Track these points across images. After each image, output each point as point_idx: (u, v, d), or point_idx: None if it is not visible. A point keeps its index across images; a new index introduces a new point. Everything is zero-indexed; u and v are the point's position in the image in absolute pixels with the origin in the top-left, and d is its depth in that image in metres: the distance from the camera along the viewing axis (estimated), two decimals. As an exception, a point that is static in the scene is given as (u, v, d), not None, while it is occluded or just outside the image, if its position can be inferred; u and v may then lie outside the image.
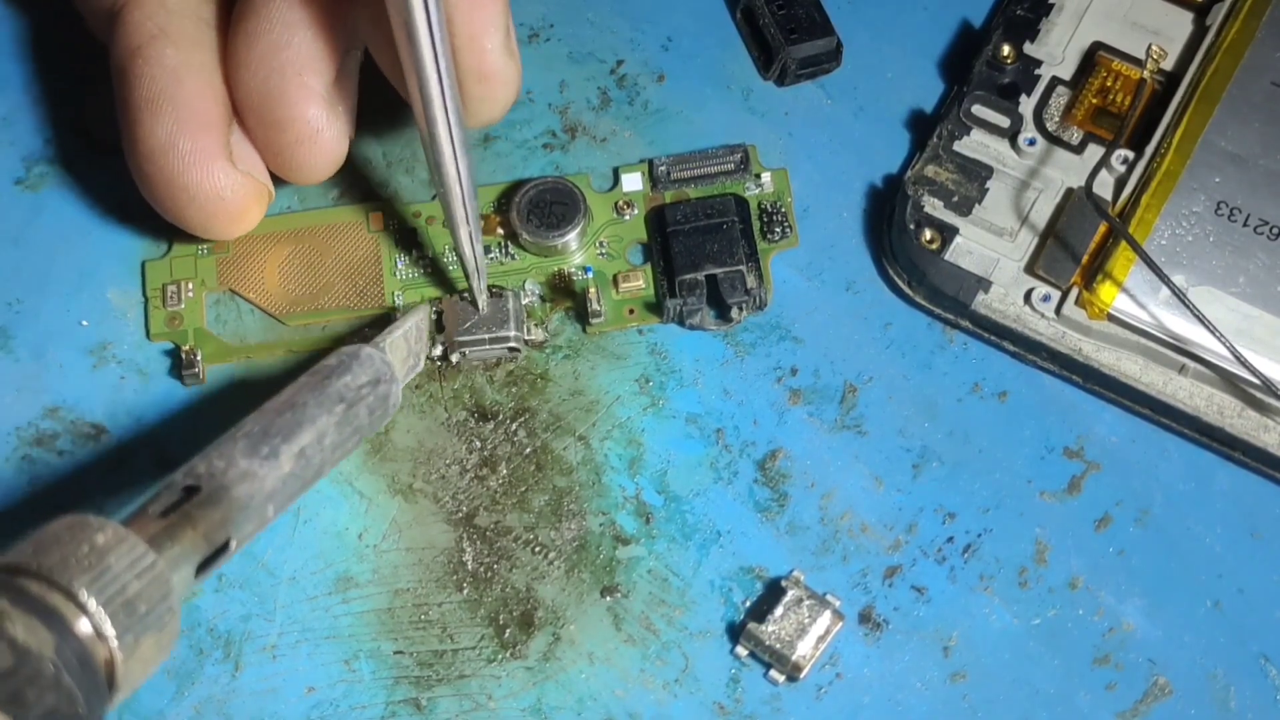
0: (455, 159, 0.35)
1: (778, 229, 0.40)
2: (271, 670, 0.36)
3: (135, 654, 0.26)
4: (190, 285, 0.39)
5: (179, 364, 0.38)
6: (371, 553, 0.37)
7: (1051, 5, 0.41)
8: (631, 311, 0.39)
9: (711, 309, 0.39)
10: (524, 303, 0.39)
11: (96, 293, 0.39)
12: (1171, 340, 0.37)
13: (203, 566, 0.29)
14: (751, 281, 0.39)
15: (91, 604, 0.26)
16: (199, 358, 0.38)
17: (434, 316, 0.38)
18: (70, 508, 0.37)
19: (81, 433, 0.38)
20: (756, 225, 0.40)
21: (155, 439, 0.38)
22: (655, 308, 0.39)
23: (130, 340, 0.39)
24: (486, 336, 0.38)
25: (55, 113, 0.41)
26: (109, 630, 0.26)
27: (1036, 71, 0.40)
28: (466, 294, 0.38)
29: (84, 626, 0.26)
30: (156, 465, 0.38)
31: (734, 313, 0.38)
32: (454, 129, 0.34)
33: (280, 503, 0.31)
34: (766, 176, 0.40)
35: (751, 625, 0.36)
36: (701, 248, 0.39)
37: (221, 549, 0.29)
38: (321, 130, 0.36)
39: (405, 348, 0.36)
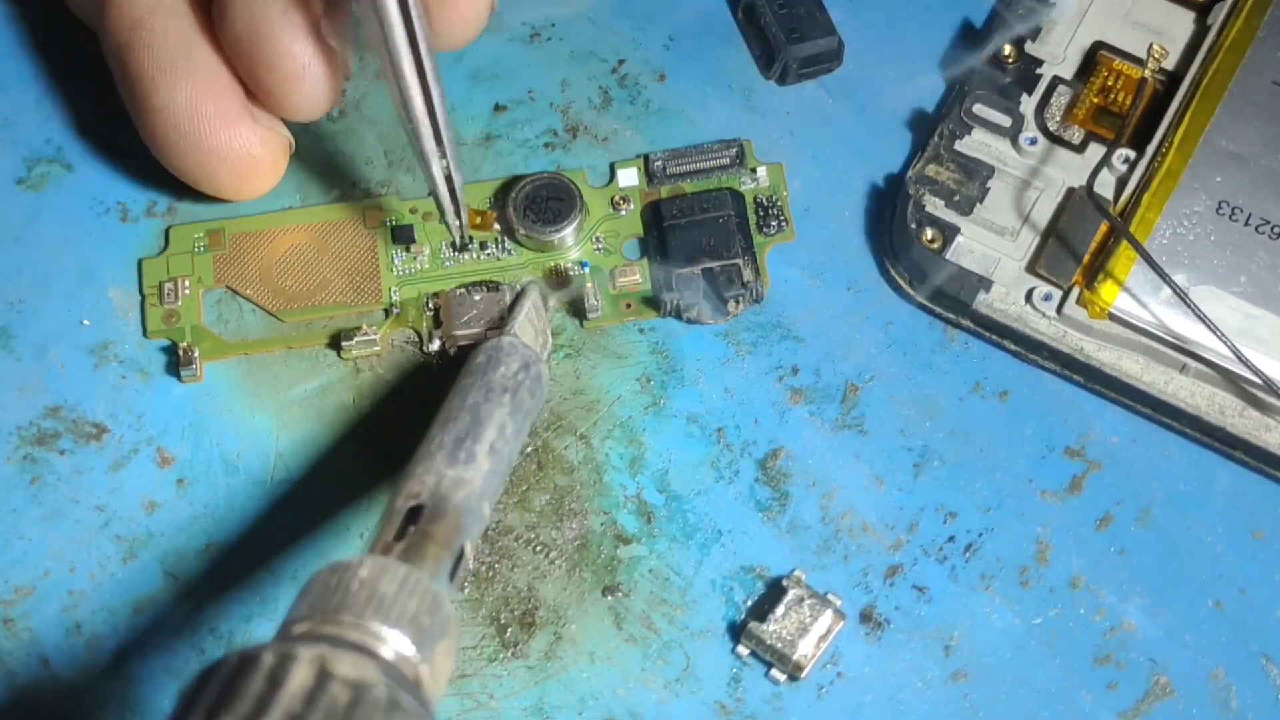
0: (427, 94, 0.34)
1: (773, 222, 0.40)
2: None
3: (435, 663, 0.28)
4: (187, 282, 0.39)
5: (177, 361, 0.38)
6: (373, 552, 0.37)
7: (1053, 5, 0.41)
8: (629, 306, 0.39)
9: (708, 302, 0.39)
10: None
11: (98, 292, 0.39)
12: (1173, 339, 0.37)
13: (452, 574, 0.30)
14: (748, 275, 0.39)
15: (385, 630, 0.27)
16: (197, 355, 0.38)
17: (431, 311, 0.39)
18: (71, 508, 0.37)
19: (83, 432, 0.38)
20: (752, 219, 0.40)
21: (156, 438, 0.38)
22: (652, 302, 0.39)
23: (131, 340, 0.39)
24: (484, 330, 0.38)
25: (56, 112, 0.41)
26: (409, 650, 0.27)
27: (1038, 71, 0.40)
28: (463, 289, 0.38)
29: (389, 651, 0.27)
30: (158, 465, 0.38)
31: (731, 306, 0.39)
32: (426, 65, 0.34)
33: (491, 498, 0.32)
34: (762, 170, 0.40)
35: (753, 624, 0.36)
36: (698, 242, 0.39)
37: (460, 555, 0.30)
38: (309, 66, 0.36)
39: (531, 328, 0.37)
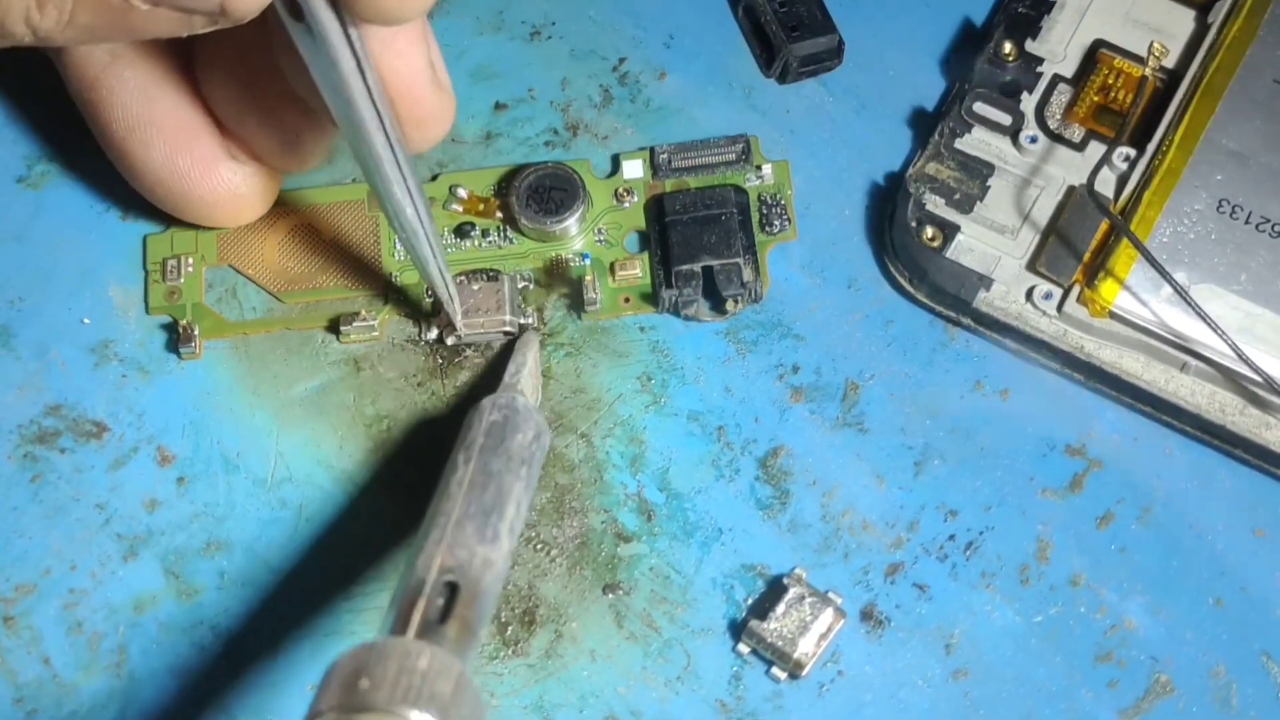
0: (415, 207, 0.34)
1: (776, 221, 0.40)
2: (273, 667, 0.36)
3: None
4: (190, 260, 0.39)
5: (176, 338, 0.38)
6: (373, 551, 0.37)
7: (1053, 3, 0.41)
8: (627, 300, 0.39)
9: (707, 300, 0.39)
10: (519, 287, 0.39)
11: (98, 290, 0.39)
12: (1173, 338, 0.37)
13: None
14: (748, 274, 0.39)
15: None
16: (196, 332, 0.38)
17: (428, 299, 0.39)
18: (72, 506, 0.37)
19: (83, 430, 0.38)
20: (755, 217, 0.40)
21: (157, 436, 0.38)
22: (651, 297, 0.39)
23: (132, 338, 0.39)
24: (482, 320, 0.38)
25: (56, 111, 0.41)
26: None
27: (1038, 69, 0.40)
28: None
29: None
30: (158, 463, 0.38)
31: (729, 305, 0.39)
32: (409, 183, 0.33)
33: (504, 579, 0.32)
34: (767, 168, 0.40)
35: (753, 623, 0.36)
36: (699, 238, 0.39)
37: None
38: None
39: (530, 383, 0.37)
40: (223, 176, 0.36)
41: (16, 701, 0.36)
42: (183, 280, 0.39)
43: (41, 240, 0.40)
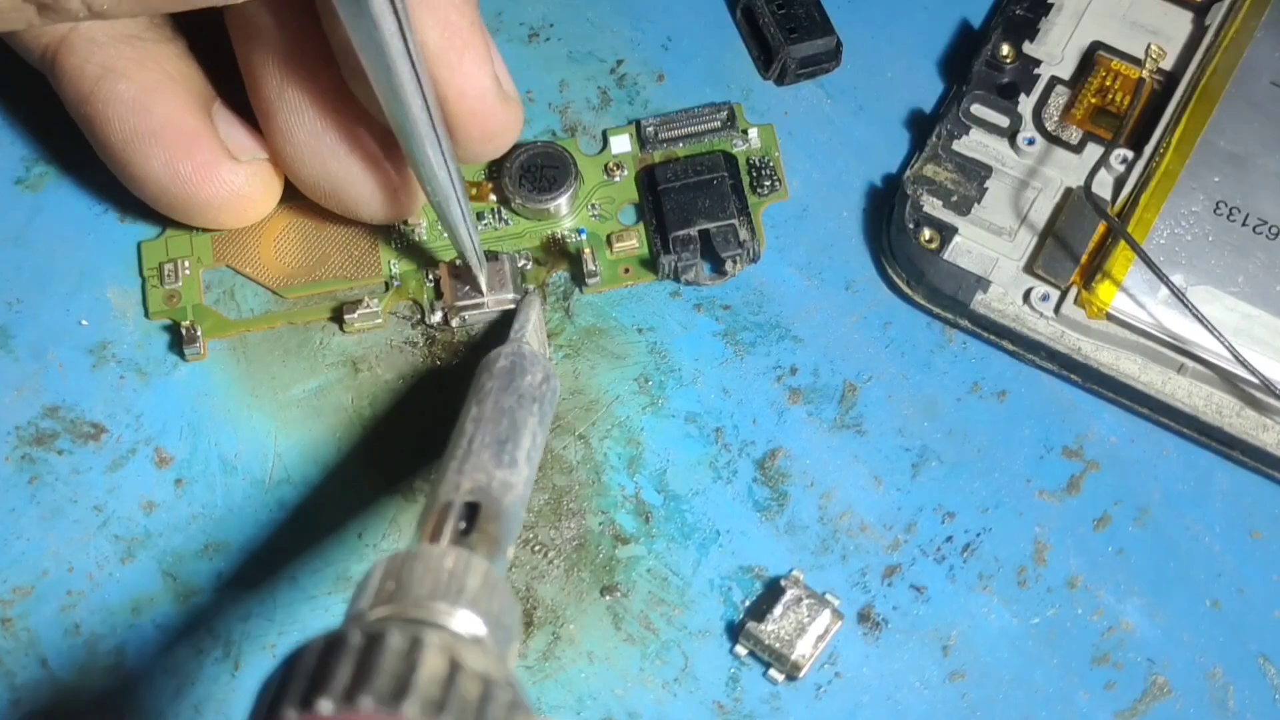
0: (449, 170, 0.35)
1: (767, 183, 0.40)
2: (271, 669, 0.36)
3: (506, 663, 0.27)
4: (187, 263, 0.39)
5: (179, 340, 0.38)
6: (371, 551, 0.37)
7: (1051, 5, 0.41)
8: (627, 270, 0.39)
9: (706, 262, 0.39)
10: (518, 265, 0.39)
11: (96, 292, 0.39)
12: (1170, 340, 0.37)
13: None
14: (744, 234, 0.39)
15: (476, 622, 0.27)
16: (200, 333, 0.38)
17: (432, 283, 0.39)
18: (70, 507, 0.37)
19: (81, 432, 0.38)
20: (746, 180, 0.40)
21: (154, 438, 0.38)
22: (651, 265, 0.39)
23: (130, 340, 0.39)
24: (485, 299, 0.38)
25: (55, 113, 0.41)
26: (496, 649, 0.27)
27: (1036, 71, 0.40)
28: (461, 262, 0.38)
29: (489, 645, 0.27)
30: (156, 465, 0.38)
31: (729, 266, 0.39)
32: (444, 145, 0.34)
33: (525, 503, 0.32)
34: (753, 133, 0.41)
35: (751, 624, 0.36)
36: (693, 204, 0.39)
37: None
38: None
39: (536, 340, 0.37)
40: (225, 178, 0.37)
41: (14, 703, 0.36)
42: (180, 284, 0.39)
43: (40, 242, 0.40)
